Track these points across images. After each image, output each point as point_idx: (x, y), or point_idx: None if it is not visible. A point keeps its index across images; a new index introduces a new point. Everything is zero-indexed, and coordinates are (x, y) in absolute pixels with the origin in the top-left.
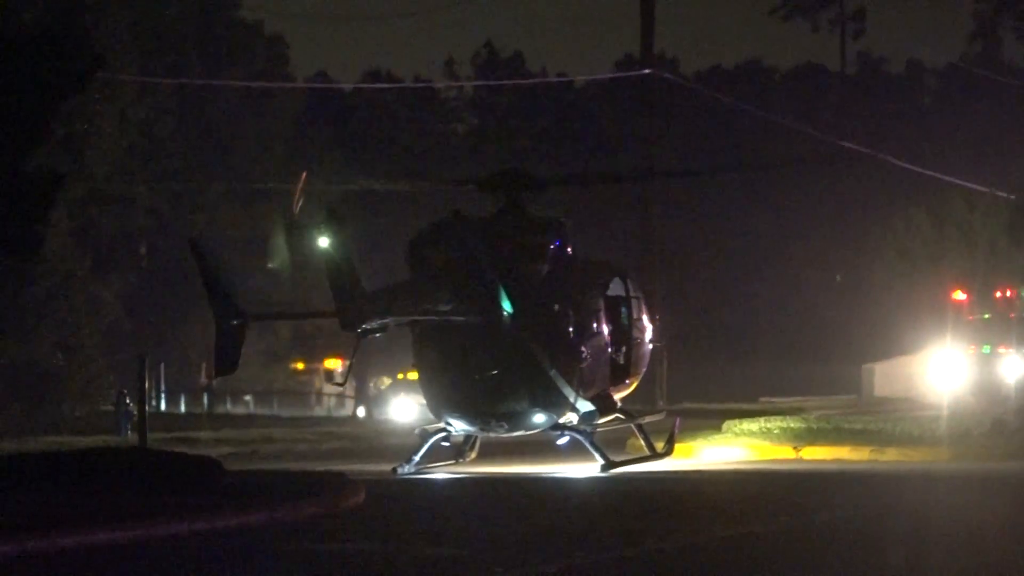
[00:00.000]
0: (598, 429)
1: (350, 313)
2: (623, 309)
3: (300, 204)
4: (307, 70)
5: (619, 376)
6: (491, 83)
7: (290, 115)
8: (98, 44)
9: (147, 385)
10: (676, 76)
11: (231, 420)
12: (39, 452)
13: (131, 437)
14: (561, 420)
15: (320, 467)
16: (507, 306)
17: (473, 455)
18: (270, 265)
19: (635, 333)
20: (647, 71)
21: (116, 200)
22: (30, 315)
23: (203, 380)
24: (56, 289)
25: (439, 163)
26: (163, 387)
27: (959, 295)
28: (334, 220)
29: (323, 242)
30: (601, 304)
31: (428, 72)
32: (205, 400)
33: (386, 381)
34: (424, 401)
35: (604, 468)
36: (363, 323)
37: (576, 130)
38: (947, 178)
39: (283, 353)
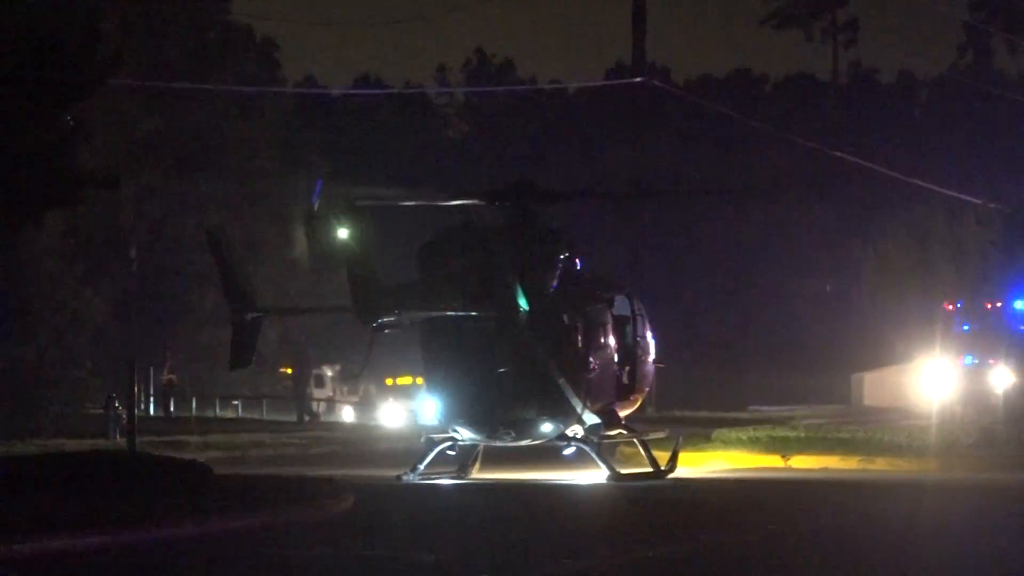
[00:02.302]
0: (604, 442)
1: (367, 306)
2: (628, 327)
3: (318, 204)
4: (297, 74)
5: (624, 393)
6: (482, 89)
7: (280, 119)
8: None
9: (136, 389)
10: (667, 84)
11: (220, 424)
12: (28, 455)
13: (120, 441)
14: (567, 431)
15: (309, 472)
16: (524, 303)
17: (475, 469)
18: (292, 255)
19: (639, 351)
20: (638, 79)
21: (109, 191)
22: (18, 318)
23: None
24: (45, 292)
25: (429, 169)
26: (152, 391)
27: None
28: (354, 213)
29: (343, 234)
30: (608, 319)
31: (419, 78)
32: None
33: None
34: (415, 407)
35: (610, 480)
36: (379, 317)
37: (567, 137)
38: (937, 188)
39: (271, 357)
